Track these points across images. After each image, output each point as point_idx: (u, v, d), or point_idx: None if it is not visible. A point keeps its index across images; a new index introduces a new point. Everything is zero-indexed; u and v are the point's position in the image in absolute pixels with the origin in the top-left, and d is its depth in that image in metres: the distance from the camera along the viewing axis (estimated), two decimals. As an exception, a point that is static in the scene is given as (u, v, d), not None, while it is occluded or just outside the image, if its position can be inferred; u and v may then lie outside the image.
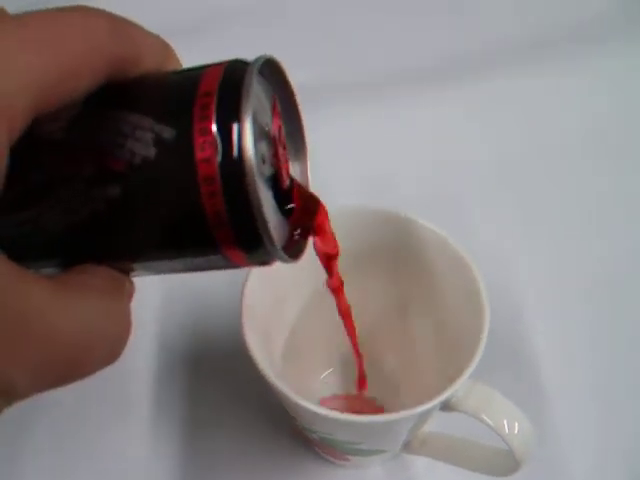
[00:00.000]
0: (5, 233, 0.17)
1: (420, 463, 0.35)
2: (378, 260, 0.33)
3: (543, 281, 0.42)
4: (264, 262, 0.18)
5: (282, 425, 0.35)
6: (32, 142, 0.16)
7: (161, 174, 0.16)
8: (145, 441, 0.36)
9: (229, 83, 0.16)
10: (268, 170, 0.19)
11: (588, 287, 0.42)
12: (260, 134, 0.18)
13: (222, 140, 0.16)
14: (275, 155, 0.19)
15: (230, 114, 0.16)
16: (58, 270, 0.18)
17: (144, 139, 0.16)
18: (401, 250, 0.33)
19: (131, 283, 0.19)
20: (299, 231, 0.20)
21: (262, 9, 0.58)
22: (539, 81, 0.52)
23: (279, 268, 0.30)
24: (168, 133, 0.16)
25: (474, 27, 0.57)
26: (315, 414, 0.25)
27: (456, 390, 0.26)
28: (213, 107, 0.16)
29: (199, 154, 0.16)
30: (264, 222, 0.16)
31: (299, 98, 0.21)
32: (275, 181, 0.19)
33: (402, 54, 0.55)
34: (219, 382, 0.38)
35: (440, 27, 0.57)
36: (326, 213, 0.22)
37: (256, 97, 0.16)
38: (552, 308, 0.41)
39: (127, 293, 0.18)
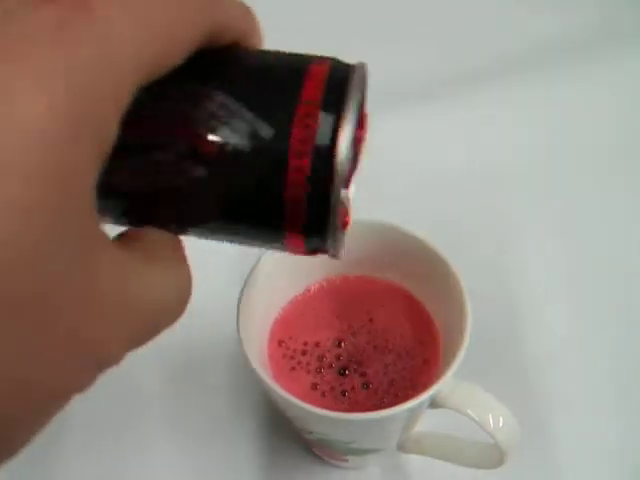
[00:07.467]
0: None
1: (416, 462, 0.36)
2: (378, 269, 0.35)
3: (538, 285, 0.43)
4: (314, 252, 0.19)
5: (281, 428, 0.37)
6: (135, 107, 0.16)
7: (250, 169, 0.17)
8: (144, 448, 0.37)
9: (334, 96, 0.17)
10: None
11: (582, 289, 0.43)
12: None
13: (318, 153, 0.16)
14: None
15: (332, 134, 0.16)
16: (115, 221, 0.18)
17: (240, 130, 0.16)
18: (397, 259, 0.34)
19: None
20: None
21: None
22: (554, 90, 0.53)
23: (274, 275, 0.32)
24: (266, 131, 0.16)
25: (479, 38, 0.57)
26: (309, 412, 0.26)
27: (442, 387, 0.27)
28: (316, 118, 0.16)
29: (293, 161, 0.16)
30: (335, 233, 0.17)
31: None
32: None
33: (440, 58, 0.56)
34: (217, 388, 0.39)
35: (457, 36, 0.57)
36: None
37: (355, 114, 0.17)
38: (547, 310, 0.42)
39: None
